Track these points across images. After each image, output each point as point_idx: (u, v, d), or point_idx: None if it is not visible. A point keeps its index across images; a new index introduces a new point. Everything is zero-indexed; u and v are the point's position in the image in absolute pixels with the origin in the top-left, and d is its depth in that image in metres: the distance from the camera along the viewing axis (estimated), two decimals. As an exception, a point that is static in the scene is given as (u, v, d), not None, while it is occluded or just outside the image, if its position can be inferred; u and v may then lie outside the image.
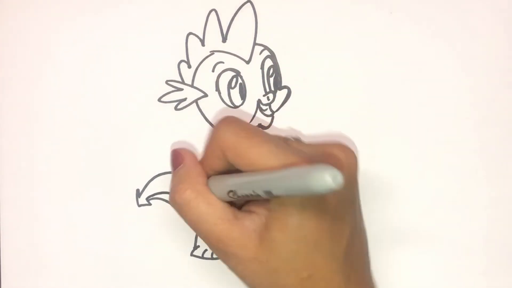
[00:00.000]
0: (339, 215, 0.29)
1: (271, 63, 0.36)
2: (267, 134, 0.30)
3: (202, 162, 0.32)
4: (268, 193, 0.25)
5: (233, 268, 0.30)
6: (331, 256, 0.29)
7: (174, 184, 0.31)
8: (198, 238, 0.36)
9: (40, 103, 0.36)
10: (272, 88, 0.36)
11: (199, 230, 0.30)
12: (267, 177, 0.25)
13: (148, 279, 0.36)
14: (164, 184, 0.36)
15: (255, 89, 0.36)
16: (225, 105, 0.36)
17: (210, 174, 0.32)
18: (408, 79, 0.35)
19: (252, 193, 0.26)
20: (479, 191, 0.36)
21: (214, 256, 0.36)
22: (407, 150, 0.36)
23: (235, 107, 0.36)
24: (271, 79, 0.36)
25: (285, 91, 0.36)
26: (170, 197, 0.31)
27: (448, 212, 0.36)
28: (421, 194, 0.36)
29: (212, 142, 0.30)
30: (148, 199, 0.36)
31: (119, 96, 0.36)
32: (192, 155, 0.32)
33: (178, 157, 0.32)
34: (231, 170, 0.30)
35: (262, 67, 0.36)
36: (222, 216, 0.29)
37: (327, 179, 0.21)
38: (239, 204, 0.32)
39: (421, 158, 0.36)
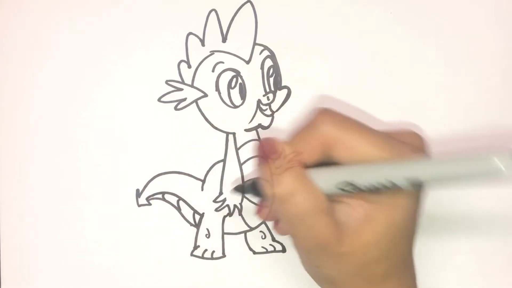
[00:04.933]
0: (413, 223, 0.29)
1: (271, 63, 0.36)
2: (366, 125, 0.28)
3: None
4: (411, 181, 0.24)
5: (319, 264, 0.28)
6: (410, 246, 0.29)
7: (275, 175, 0.27)
8: (198, 238, 0.36)
9: (40, 103, 0.36)
10: (272, 88, 0.36)
11: (300, 225, 0.28)
12: (415, 164, 0.24)
13: (148, 279, 0.36)
14: (164, 184, 0.36)
15: (255, 89, 0.36)
16: (225, 105, 0.36)
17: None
18: (408, 79, 0.35)
19: (385, 184, 0.25)
20: (479, 191, 0.36)
21: (214, 256, 0.36)
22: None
23: (235, 107, 0.36)
24: (271, 79, 0.36)
25: (285, 91, 0.36)
26: (269, 191, 0.28)
27: (446, 212, 0.36)
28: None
29: (310, 135, 0.28)
30: (148, 199, 0.36)
31: (119, 96, 0.36)
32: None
33: (272, 145, 0.29)
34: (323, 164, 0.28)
35: (262, 67, 0.36)
36: (325, 210, 0.27)
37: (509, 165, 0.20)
38: None
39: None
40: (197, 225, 0.36)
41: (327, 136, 0.27)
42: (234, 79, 0.36)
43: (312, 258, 0.29)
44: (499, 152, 0.21)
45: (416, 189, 0.25)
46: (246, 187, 0.32)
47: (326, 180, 0.27)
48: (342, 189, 0.27)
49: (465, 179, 0.22)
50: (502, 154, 0.20)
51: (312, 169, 0.28)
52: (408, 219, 0.28)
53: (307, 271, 0.30)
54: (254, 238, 0.36)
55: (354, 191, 0.27)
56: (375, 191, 0.26)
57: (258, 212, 0.32)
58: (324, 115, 0.28)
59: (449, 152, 0.36)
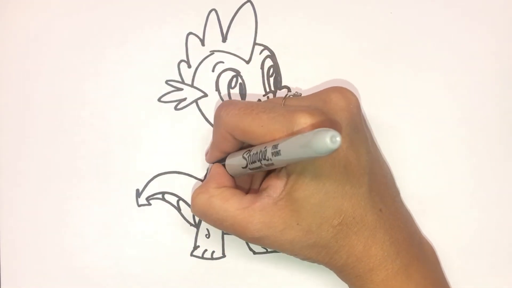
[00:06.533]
0: (351, 157, 0.30)
1: (271, 63, 0.36)
2: (265, 104, 0.31)
3: (214, 147, 0.33)
4: (275, 148, 0.26)
5: (270, 246, 0.31)
6: (355, 196, 0.30)
7: (193, 196, 0.32)
8: (198, 238, 0.36)
9: (40, 103, 0.36)
10: (272, 88, 0.36)
11: (223, 227, 0.31)
12: (275, 141, 0.28)
13: (148, 279, 0.36)
14: (164, 184, 0.36)
15: (255, 89, 0.36)
16: (225, 105, 0.36)
17: (224, 156, 0.33)
18: (409, 79, 0.35)
19: (262, 150, 0.28)
20: (479, 191, 0.36)
21: (214, 256, 0.36)
22: (409, 150, 0.36)
23: (235, 107, 0.36)
24: (271, 79, 0.36)
25: (285, 91, 0.36)
26: (191, 207, 0.32)
27: (448, 212, 0.36)
28: (423, 194, 0.36)
29: (218, 128, 0.32)
30: (148, 199, 0.36)
31: (119, 96, 0.36)
32: (218, 164, 0.33)
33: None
34: (243, 147, 0.32)
35: (262, 67, 0.36)
36: (239, 207, 0.30)
37: (327, 142, 0.22)
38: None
39: (423, 159, 0.36)
40: (197, 225, 0.36)
41: (227, 125, 0.31)
42: (234, 79, 0.36)
43: (262, 245, 0.32)
44: (327, 130, 0.23)
45: (277, 158, 0.27)
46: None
47: (236, 159, 0.31)
48: (245, 157, 0.30)
49: (305, 150, 0.24)
50: (329, 131, 0.23)
51: (229, 155, 0.32)
52: (326, 177, 0.29)
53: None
54: (254, 238, 0.36)
55: (250, 160, 0.29)
56: (261, 161, 0.28)
57: None
58: (221, 108, 0.31)
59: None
